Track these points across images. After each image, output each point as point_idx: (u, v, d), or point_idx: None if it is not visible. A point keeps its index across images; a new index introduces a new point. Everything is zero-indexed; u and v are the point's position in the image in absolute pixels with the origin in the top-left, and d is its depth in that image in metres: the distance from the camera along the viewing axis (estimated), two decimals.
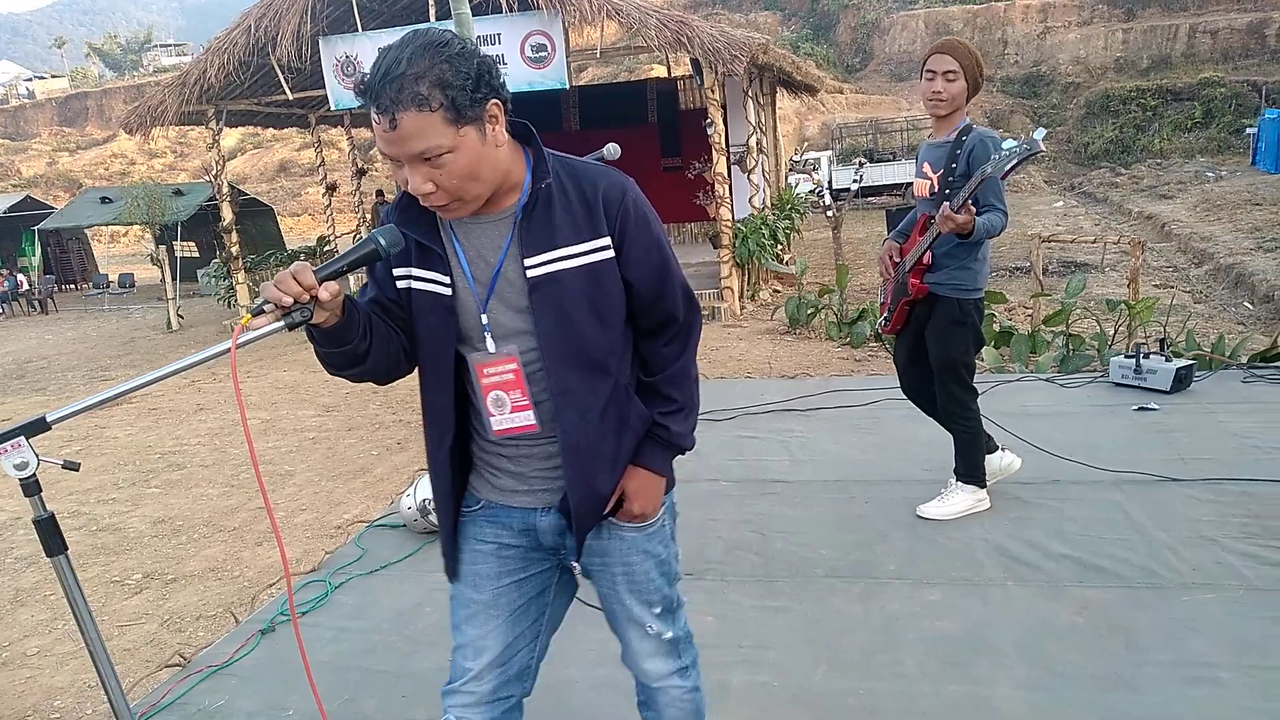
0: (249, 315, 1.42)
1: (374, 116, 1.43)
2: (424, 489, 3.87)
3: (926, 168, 3.50)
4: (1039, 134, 3.16)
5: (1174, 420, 4.54)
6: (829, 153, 27.79)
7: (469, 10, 5.66)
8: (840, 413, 5.03)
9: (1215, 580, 3.03)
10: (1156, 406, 4.70)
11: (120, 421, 8.57)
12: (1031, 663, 2.70)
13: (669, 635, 1.85)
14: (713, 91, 12.62)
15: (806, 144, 29.93)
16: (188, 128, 16.25)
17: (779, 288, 13.37)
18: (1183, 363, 4.99)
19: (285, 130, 25.54)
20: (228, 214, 14.83)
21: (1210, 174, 23.34)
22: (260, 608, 3.57)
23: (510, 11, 12.09)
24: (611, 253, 1.63)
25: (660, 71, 18.04)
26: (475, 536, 1.77)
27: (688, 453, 1.79)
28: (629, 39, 12.38)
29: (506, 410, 1.66)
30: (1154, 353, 5.12)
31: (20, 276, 21.86)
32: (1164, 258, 15.80)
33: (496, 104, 1.51)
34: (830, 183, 23.63)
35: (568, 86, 12.34)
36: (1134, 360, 5.03)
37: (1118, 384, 5.09)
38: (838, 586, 3.23)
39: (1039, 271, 9.82)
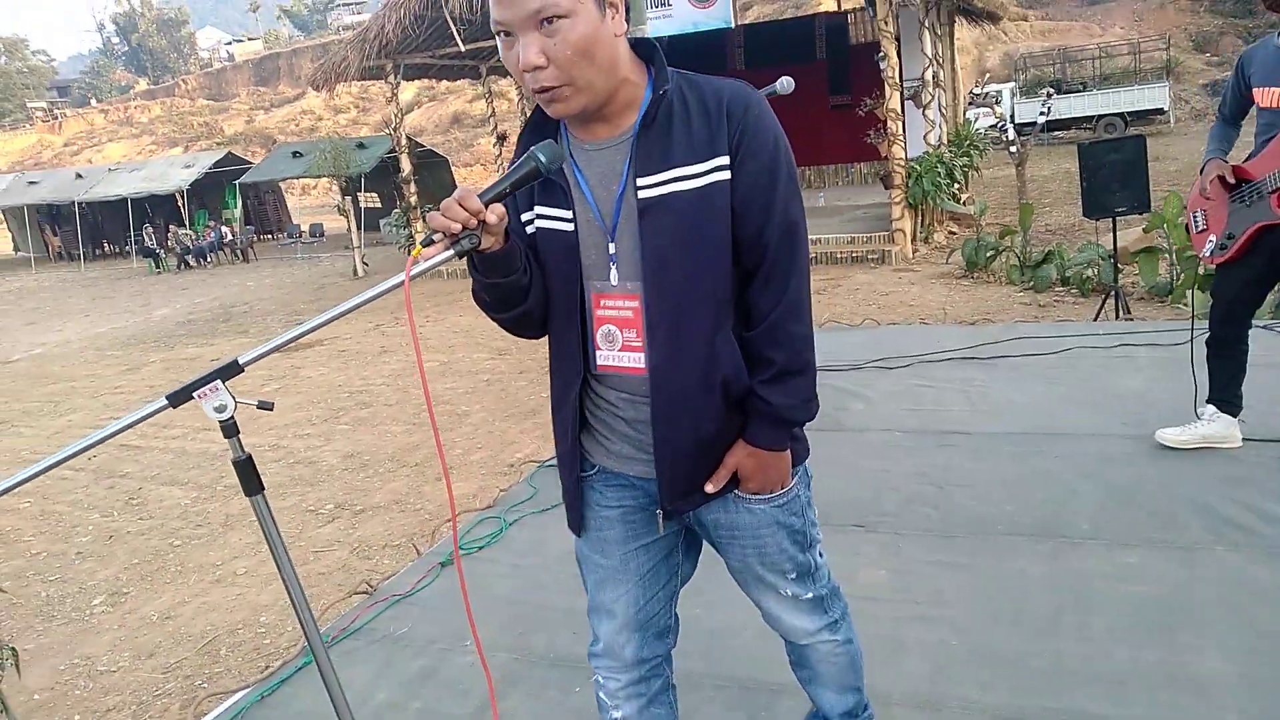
0: (419, 247, 1.39)
1: None
2: None
3: None
4: None
5: None
6: (1011, 85, 26.10)
7: None
8: (1027, 361, 4.74)
9: None
10: None
11: (313, 362, 9.18)
12: (1243, 633, 2.47)
13: (808, 596, 1.74)
14: (886, 23, 12.05)
15: (988, 76, 28.16)
16: (368, 82, 16.99)
17: (955, 229, 12.75)
18: None
19: (458, 83, 26.35)
20: (406, 165, 15.47)
21: None
22: (440, 540, 3.74)
23: None
24: (728, 174, 1.46)
25: (829, 5, 17.38)
26: (597, 502, 1.68)
27: (809, 422, 1.61)
28: None
29: (615, 347, 1.55)
30: None
31: (224, 228, 23.70)
32: None
33: None
34: (1013, 117, 22.19)
35: (733, 25, 12.08)
36: None
37: None
38: (1021, 545, 3.06)
39: None
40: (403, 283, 1.36)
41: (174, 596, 4.14)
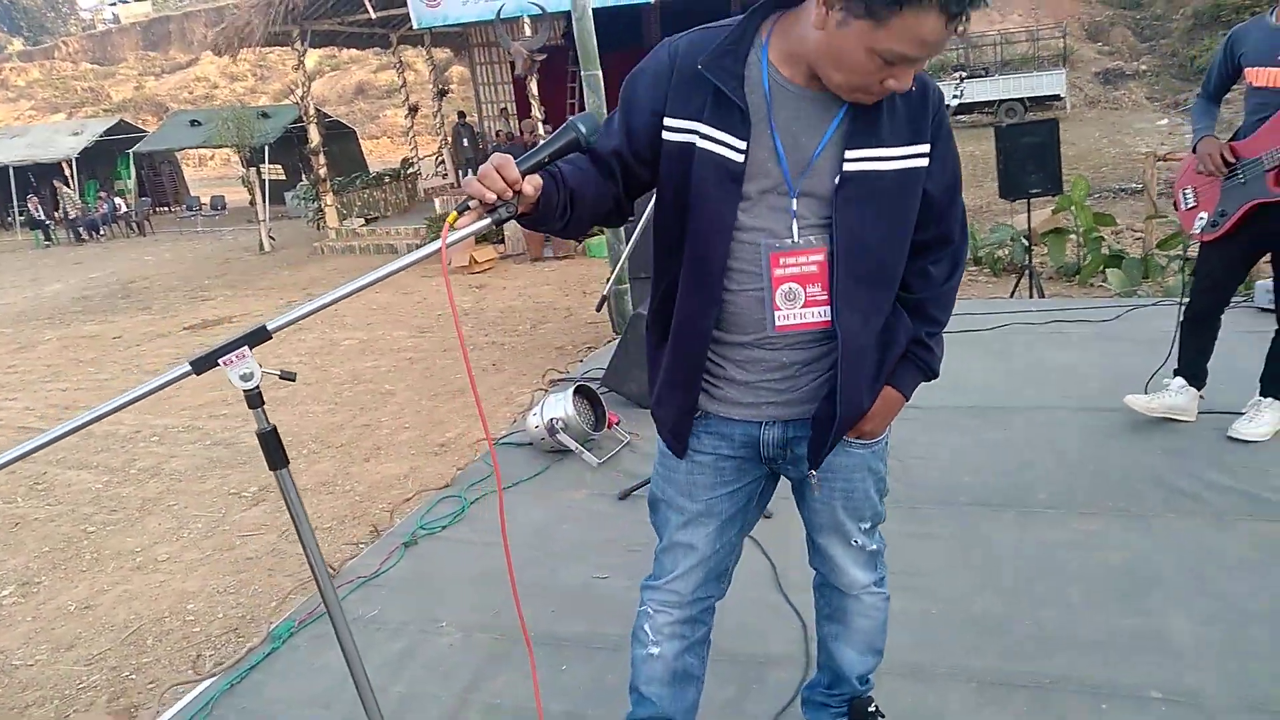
0: (455, 213, 1.38)
1: (932, 20, 1.28)
2: (551, 408, 3.85)
3: None
4: None
5: None
6: None
7: None
8: (967, 337, 4.84)
9: None
10: None
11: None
12: (1206, 597, 2.57)
13: (872, 548, 1.85)
14: None
15: None
16: (269, 49, 16.33)
17: None
18: None
19: (361, 53, 25.56)
20: (315, 136, 14.93)
21: None
22: (401, 521, 3.62)
23: None
24: (927, 160, 1.52)
25: None
26: (693, 446, 1.72)
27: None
28: None
29: (799, 304, 1.54)
30: None
31: (118, 199, 22.49)
32: None
33: None
34: None
35: (651, 1, 12.01)
36: None
37: (1263, 309, 4.79)
38: (987, 514, 3.13)
39: (1153, 193, 9.29)
40: (439, 249, 1.36)
41: (91, 585, 3.92)
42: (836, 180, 1.47)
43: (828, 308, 1.54)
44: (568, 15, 13.88)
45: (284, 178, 21.88)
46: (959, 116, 25.10)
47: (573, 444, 3.79)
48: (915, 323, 1.66)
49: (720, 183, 1.48)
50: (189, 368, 1.31)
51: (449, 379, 6.72)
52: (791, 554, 2.87)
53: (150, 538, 4.36)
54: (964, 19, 1.29)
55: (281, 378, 1.39)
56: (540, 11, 12.20)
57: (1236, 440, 3.41)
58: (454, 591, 2.99)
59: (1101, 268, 8.08)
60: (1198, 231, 3.46)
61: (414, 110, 17.90)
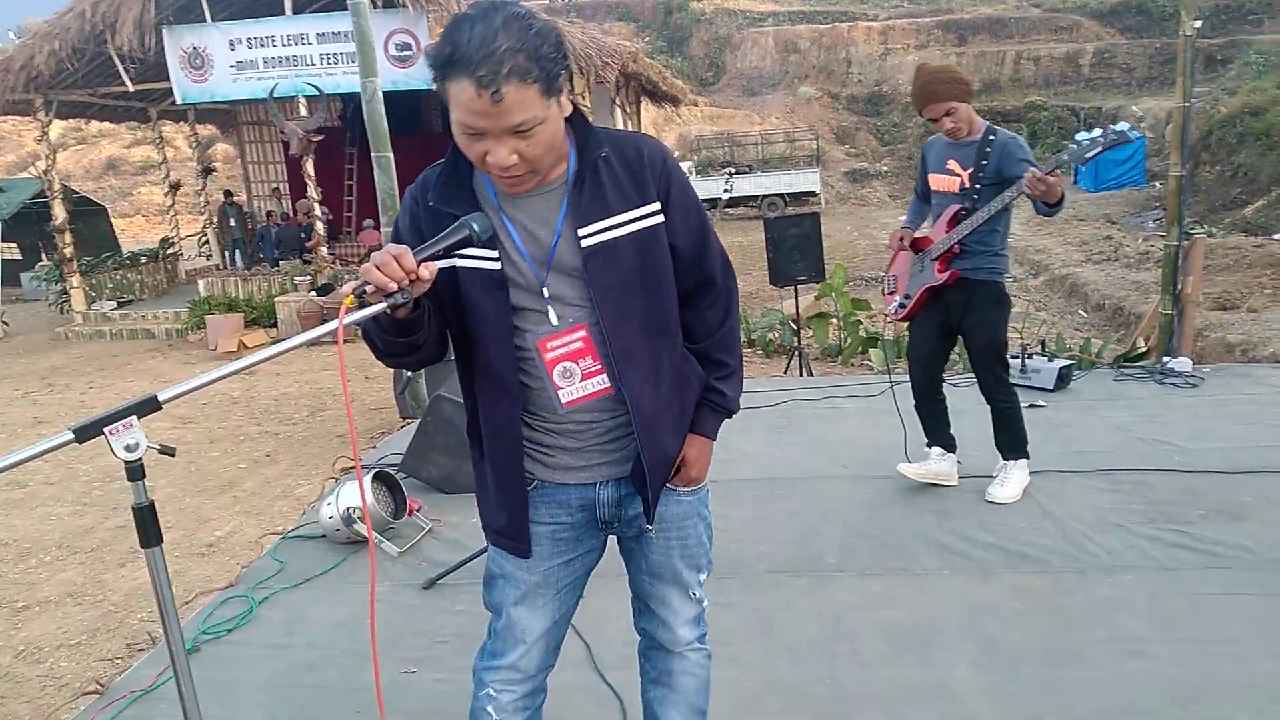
0: (351, 297, 1.42)
1: (469, 90, 1.40)
2: (347, 497, 3.67)
3: (954, 165, 3.64)
4: (1122, 125, 3.36)
5: (1062, 416, 4.83)
6: (689, 164, 28.33)
7: (368, 0, 5.45)
8: (750, 413, 5.10)
9: (1130, 563, 3.24)
10: (1045, 404, 5.00)
11: None
12: (981, 645, 2.81)
13: (704, 603, 1.93)
14: (583, 97, 12.66)
15: (676, 155, 30.36)
16: (4, 118, 14.99)
17: None
18: (1063, 362, 5.33)
19: (113, 126, 23.84)
20: (60, 213, 13.73)
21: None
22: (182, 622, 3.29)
23: (374, 8, 11.72)
24: (661, 217, 1.64)
25: None
26: (531, 519, 1.76)
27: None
28: None
29: (577, 379, 1.65)
30: (1037, 354, 5.45)
31: None
32: None
33: (566, 73, 1.50)
34: None
35: (433, 88, 12.10)
36: (1020, 361, 5.34)
37: None
38: (783, 581, 3.27)
39: None
40: (335, 329, 1.42)
41: None
42: (581, 259, 1.59)
43: (605, 375, 1.65)
44: (345, 97, 13.80)
45: (20, 257, 19.83)
46: (729, 210, 26.74)
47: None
48: (705, 367, 1.79)
49: (489, 293, 1.61)
50: (71, 435, 1.22)
51: (216, 473, 6.24)
52: (604, 634, 2.87)
53: None
54: (494, 91, 1.38)
55: (161, 452, 1.31)
56: (317, 92, 11.96)
57: (994, 503, 3.78)
58: (248, 699, 2.74)
59: (861, 348, 8.79)
60: (892, 312, 3.93)
61: (175, 188, 16.85)
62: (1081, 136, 3.36)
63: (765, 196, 27.06)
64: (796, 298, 8.07)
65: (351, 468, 4.97)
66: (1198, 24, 5.22)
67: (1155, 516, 3.56)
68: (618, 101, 14.27)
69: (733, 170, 24.23)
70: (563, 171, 1.61)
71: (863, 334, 9.01)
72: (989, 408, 3.83)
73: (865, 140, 33.87)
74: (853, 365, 8.88)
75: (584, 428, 1.70)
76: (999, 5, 38.39)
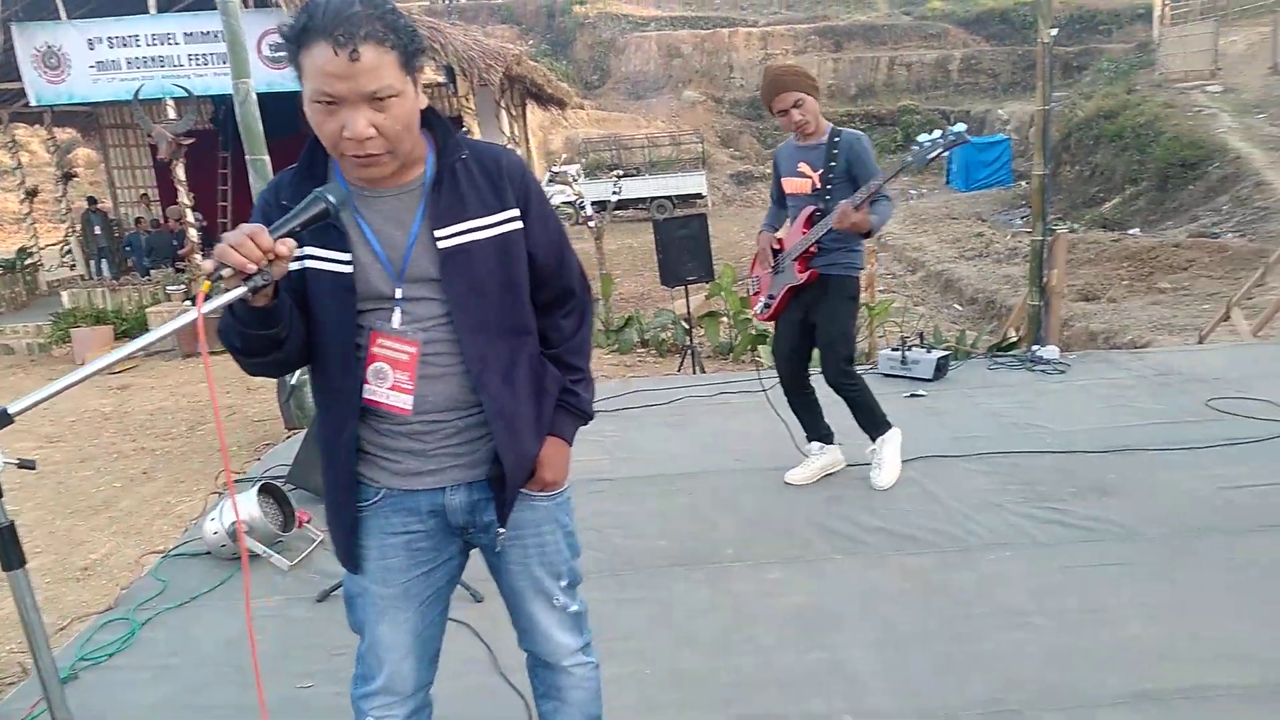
0: (208, 283, 1.33)
1: (325, 52, 1.40)
2: (231, 511, 3.53)
3: (804, 167, 3.73)
4: (959, 127, 3.48)
5: (941, 404, 5.04)
6: (577, 166, 28.33)
7: None
8: (646, 411, 5.14)
9: (1009, 540, 3.40)
10: (925, 393, 5.20)
11: None
12: (875, 626, 2.90)
13: (574, 609, 1.88)
14: (467, 100, 12.51)
15: (565, 157, 30.32)
16: None
17: None
18: (940, 353, 5.56)
19: None
20: None
21: (913, 191, 26.12)
22: (55, 652, 3.09)
23: (245, 8, 11.33)
24: (520, 224, 1.66)
25: None
26: (382, 530, 1.71)
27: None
28: None
29: (385, 385, 1.62)
30: (916, 346, 5.66)
31: None
32: (883, 266, 17.46)
33: (422, 56, 1.52)
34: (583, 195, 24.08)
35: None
36: (899, 353, 5.54)
37: (886, 375, 5.57)
38: (682, 574, 3.31)
39: None
40: (194, 320, 1.34)
41: None
42: (438, 260, 1.59)
43: (410, 398, 1.61)
44: (216, 99, 13.25)
45: None
46: (618, 211, 26.84)
47: (259, 547, 3.49)
48: (560, 371, 1.80)
49: (336, 294, 1.58)
50: None
51: (89, 493, 5.91)
52: (506, 637, 2.83)
53: None
54: (352, 50, 1.40)
55: (20, 466, 1.24)
56: (186, 94, 11.47)
57: (879, 489, 3.91)
58: None
59: (751, 345, 8.96)
60: (758, 312, 4.05)
61: (32, 194, 15.87)
62: (923, 138, 3.52)
63: (654, 199, 27.31)
64: (687, 297, 8.17)
65: (238, 480, 4.79)
66: (1054, 32, 5.53)
67: (1030, 496, 3.75)
68: (503, 104, 14.15)
69: (621, 173, 24.44)
70: (420, 173, 1.61)
71: (752, 331, 9.19)
72: (880, 397, 3.96)
73: (749, 143, 34.52)
74: (743, 362, 9.05)
75: (432, 428, 1.66)
76: (872, 13, 39.73)
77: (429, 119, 1.62)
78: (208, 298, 1.35)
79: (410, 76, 1.49)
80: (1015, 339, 6.67)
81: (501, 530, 1.73)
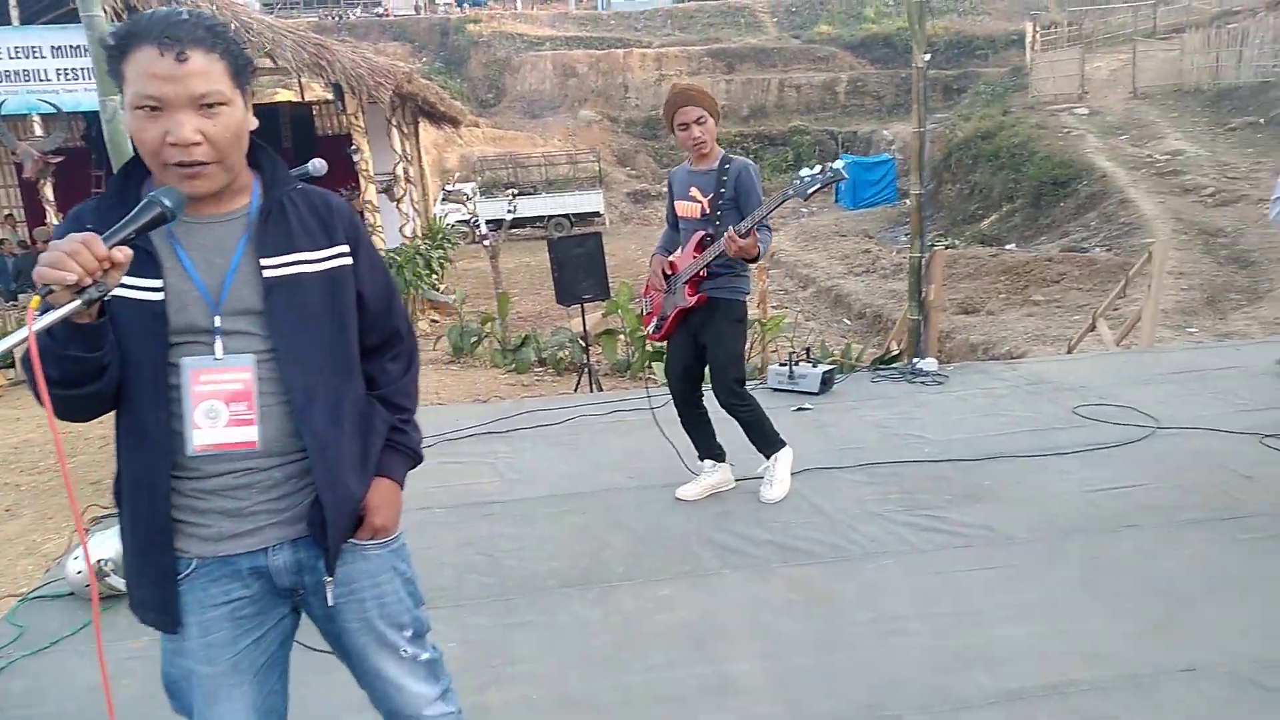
0: (37, 298, 1.25)
1: (151, 54, 1.38)
2: (97, 549, 3.36)
3: (695, 192, 3.80)
4: (839, 163, 3.61)
5: (827, 417, 5.17)
6: (472, 184, 28.11)
7: (103, 14, 5.05)
8: (539, 431, 5.12)
9: (889, 548, 3.51)
10: (810, 406, 5.32)
11: None
12: (760, 638, 2.95)
13: (425, 657, 1.79)
14: (357, 118, 12.32)
15: (459, 175, 30.00)
16: None
17: (438, 317, 13.26)
18: (826, 367, 5.71)
19: None
20: None
21: (804, 210, 26.77)
22: None
23: (112, 22, 10.90)
24: (350, 260, 1.64)
25: (288, 95, 17.22)
26: (200, 603, 1.57)
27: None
28: (257, 59, 11.68)
29: (221, 424, 1.51)
30: (802, 360, 5.80)
31: None
32: (776, 282, 17.84)
33: (252, 73, 1.50)
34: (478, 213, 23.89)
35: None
36: (787, 368, 5.67)
37: (775, 389, 5.69)
38: (573, 595, 3.30)
39: None
40: (25, 339, 1.25)
41: None
42: (262, 290, 1.54)
43: (253, 428, 1.53)
44: (88, 115, 12.69)
45: None
46: (516, 230, 26.71)
47: (124, 584, 3.32)
48: (389, 412, 1.74)
49: (146, 325, 1.49)
50: None
51: None
52: None
53: None
54: (179, 52, 1.38)
55: None
56: (54, 110, 10.95)
57: (768, 503, 3.98)
58: None
59: (648, 362, 9.03)
60: (650, 332, 4.13)
61: None
62: (804, 173, 3.63)
63: (552, 217, 27.31)
64: (583, 315, 8.19)
65: (105, 515, 4.57)
66: (927, 57, 5.78)
67: (910, 504, 3.88)
68: (394, 122, 13.94)
69: (516, 191, 24.42)
70: (245, 203, 1.57)
71: (649, 349, 9.26)
72: (771, 412, 4.05)
73: (645, 162, 34.90)
74: (641, 379, 9.10)
75: (245, 482, 1.55)
76: (762, 36, 40.73)
77: (256, 152, 1.59)
78: (40, 314, 1.25)
79: (239, 90, 1.47)
80: (897, 352, 6.90)
81: (329, 579, 1.62)
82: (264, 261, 1.53)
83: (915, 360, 6.02)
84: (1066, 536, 3.53)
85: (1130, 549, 3.40)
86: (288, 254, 1.56)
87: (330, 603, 1.65)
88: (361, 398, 1.69)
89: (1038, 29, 31.11)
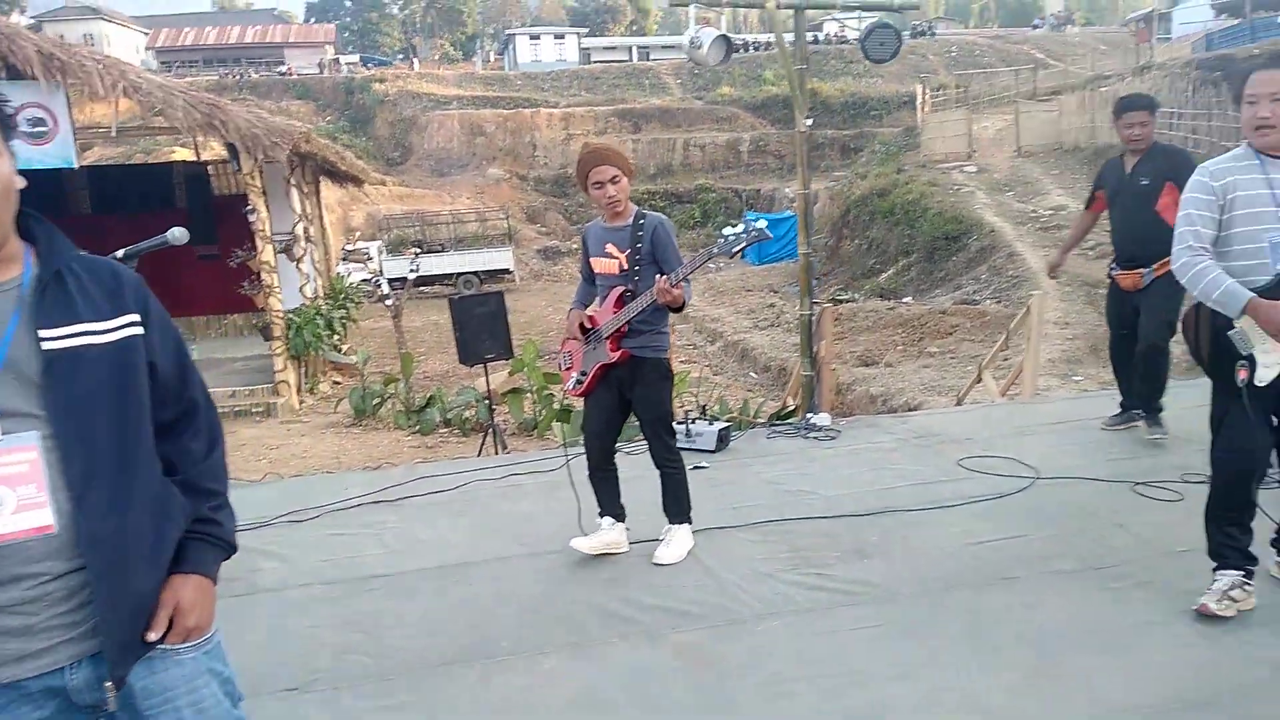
0: None
1: None
2: None
3: (612, 248, 3.84)
4: (762, 222, 3.68)
5: (721, 474, 5.19)
6: (378, 242, 27.83)
7: None
8: (431, 499, 5.00)
9: (776, 609, 3.51)
10: (706, 465, 5.34)
11: None
12: (643, 709, 2.91)
13: None
14: (253, 178, 12.09)
15: (358, 234, 29.66)
16: None
17: (340, 379, 13.00)
18: (722, 425, 5.75)
19: None
20: None
21: (711, 265, 27.28)
22: None
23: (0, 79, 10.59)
24: (140, 330, 1.54)
25: (184, 154, 16.81)
26: None
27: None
28: (148, 118, 11.46)
29: (8, 511, 1.38)
30: (699, 418, 5.83)
31: None
32: (684, 337, 18.05)
33: (12, 128, 1.44)
34: (382, 272, 23.62)
35: (75, 166, 11.04)
36: (684, 425, 5.68)
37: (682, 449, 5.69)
38: (455, 672, 3.19)
39: None
40: None
41: None
42: (42, 363, 1.43)
43: (47, 510, 1.41)
44: None
45: None
46: (423, 288, 26.49)
47: None
48: (195, 500, 1.62)
49: None
50: None
51: None
52: None
53: None
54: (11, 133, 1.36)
55: None
56: None
57: (660, 565, 3.96)
58: None
59: (555, 420, 8.97)
60: (570, 388, 4.14)
61: None
62: (728, 232, 3.73)
63: (461, 274, 27.20)
64: (487, 375, 8.11)
65: None
66: (809, 122, 5.97)
67: (798, 563, 3.90)
68: (293, 181, 13.72)
69: (419, 250, 24.28)
70: (16, 274, 1.46)
71: (556, 407, 9.21)
72: (659, 474, 4.04)
73: (555, 220, 35.16)
74: (546, 438, 9.03)
75: (35, 594, 1.40)
76: (666, 97, 41.74)
77: (29, 223, 1.50)
78: None
79: (6, 146, 1.40)
80: (793, 407, 7.00)
81: (110, 685, 1.46)
82: (43, 333, 1.42)
83: (809, 415, 6.11)
84: (948, 590, 3.58)
85: (1009, 601, 3.48)
86: (71, 324, 1.45)
87: (142, 712, 1.53)
88: (156, 481, 1.55)
89: (928, 91, 32.67)
